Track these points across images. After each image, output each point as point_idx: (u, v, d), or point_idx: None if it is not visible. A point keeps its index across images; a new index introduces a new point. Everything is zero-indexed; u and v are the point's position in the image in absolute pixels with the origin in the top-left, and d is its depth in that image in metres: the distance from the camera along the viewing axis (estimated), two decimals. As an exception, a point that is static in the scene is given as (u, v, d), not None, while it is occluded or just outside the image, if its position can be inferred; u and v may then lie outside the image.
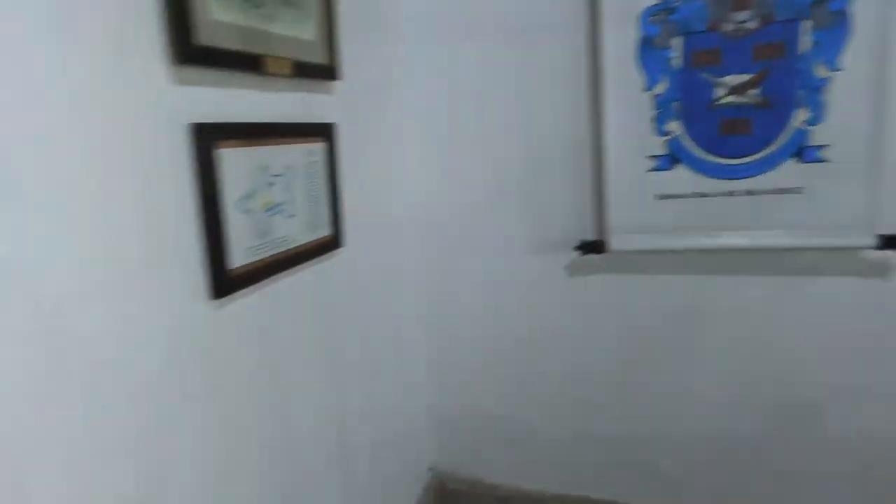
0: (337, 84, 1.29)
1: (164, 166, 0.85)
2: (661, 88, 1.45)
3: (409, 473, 1.85)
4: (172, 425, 0.88)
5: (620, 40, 1.45)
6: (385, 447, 1.64)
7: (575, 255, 1.63)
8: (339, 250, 1.33)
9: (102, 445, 0.76)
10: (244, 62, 0.98)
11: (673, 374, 1.66)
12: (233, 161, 0.96)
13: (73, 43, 0.71)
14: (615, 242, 1.54)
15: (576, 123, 1.59)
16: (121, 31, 0.77)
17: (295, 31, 1.11)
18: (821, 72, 1.34)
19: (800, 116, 1.37)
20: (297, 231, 1.16)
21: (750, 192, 1.43)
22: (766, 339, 1.57)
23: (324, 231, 1.26)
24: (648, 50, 1.44)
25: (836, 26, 1.31)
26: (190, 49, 0.86)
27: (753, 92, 1.39)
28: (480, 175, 1.70)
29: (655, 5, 1.41)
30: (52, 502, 0.70)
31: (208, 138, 0.91)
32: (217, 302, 0.96)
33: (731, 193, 1.45)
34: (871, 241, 1.37)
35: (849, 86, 1.33)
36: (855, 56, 1.31)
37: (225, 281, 0.96)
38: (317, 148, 1.22)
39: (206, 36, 0.88)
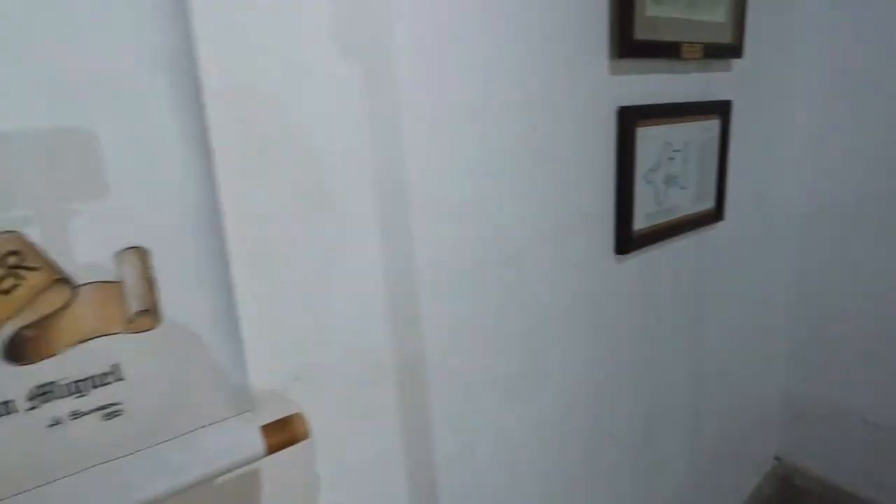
0: (737, 62, 1.33)
1: (597, 143, 1.06)
2: None
3: (753, 455, 1.82)
4: (574, 347, 1.11)
5: None
6: (733, 423, 1.66)
7: None
8: (719, 223, 1.39)
9: (535, 358, 1.03)
10: (665, 50, 1.11)
11: None
12: (645, 139, 1.12)
13: (547, 42, 0.94)
14: None
15: None
16: (579, 34, 0.98)
17: (708, 16, 1.19)
18: None
19: None
20: (686, 202, 1.26)
21: None
22: None
23: (708, 203, 1.34)
24: None
25: None
26: (628, 44, 1.02)
27: None
28: (890, 154, 1.51)
29: None
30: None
31: (630, 119, 1.08)
32: (620, 257, 1.14)
33: None
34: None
35: None
36: None
37: (628, 240, 1.13)
38: (712, 125, 1.29)
39: (640, 31, 1.04)
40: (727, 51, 1.27)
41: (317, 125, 0.66)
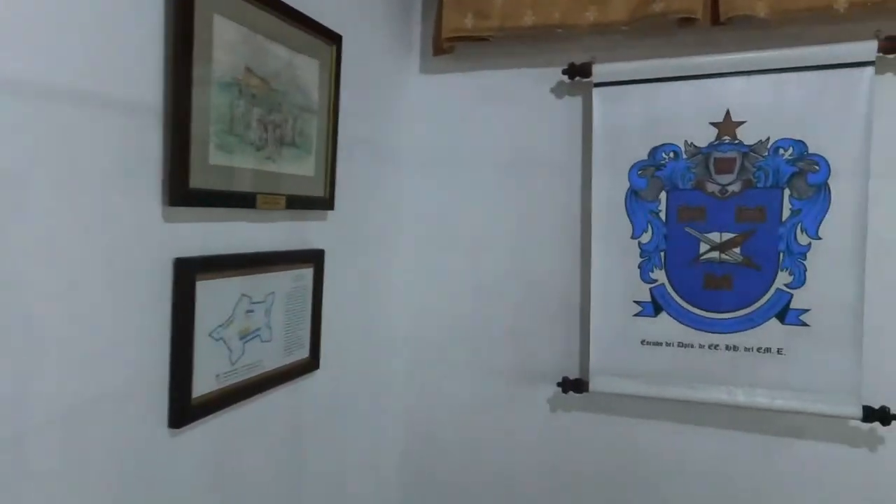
0: (331, 213, 1.36)
1: (146, 299, 0.90)
2: (647, 237, 1.49)
3: None
4: (108, 560, 0.87)
5: (611, 188, 1.51)
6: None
7: (558, 390, 1.62)
8: (316, 372, 1.34)
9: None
10: (237, 200, 1.04)
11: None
12: (213, 292, 1.00)
13: (79, 181, 0.77)
14: (596, 384, 1.53)
15: (568, 259, 1.63)
16: (120, 176, 0.84)
17: (293, 170, 1.19)
18: (802, 239, 1.37)
19: (782, 279, 1.39)
20: (271, 355, 1.18)
21: (733, 348, 1.43)
22: (739, 497, 1.51)
23: (301, 353, 1.28)
24: (636, 200, 1.50)
25: (815, 197, 1.36)
26: (185, 192, 0.92)
27: (736, 251, 1.42)
28: (470, 301, 1.73)
29: (643, 160, 1.48)
30: None
31: (190, 271, 0.95)
32: (175, 431, 0.96)
33: (714, 347, 1.44)
34: (857, 410, 1.34)
35: (829, 255, 1.35)
36: (834, 227, 1.35)
37: (187, 409, 0.97)
38: (304, 273, 1.27)
39: (201, 179, 0.95)
40: (318, 202, 1.29)
41: None
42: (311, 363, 1.31)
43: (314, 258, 1.30)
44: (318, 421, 1.38)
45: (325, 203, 1.31)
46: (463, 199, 1.72)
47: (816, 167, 1.36)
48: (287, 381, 1.24)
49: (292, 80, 1.17)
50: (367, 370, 1.61)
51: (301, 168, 1.22)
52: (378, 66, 1.59)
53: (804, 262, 1.37)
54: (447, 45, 1.60)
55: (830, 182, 1.35)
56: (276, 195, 1.13)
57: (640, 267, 1.50)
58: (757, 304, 1.41)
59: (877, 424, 1.36)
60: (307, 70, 1.21)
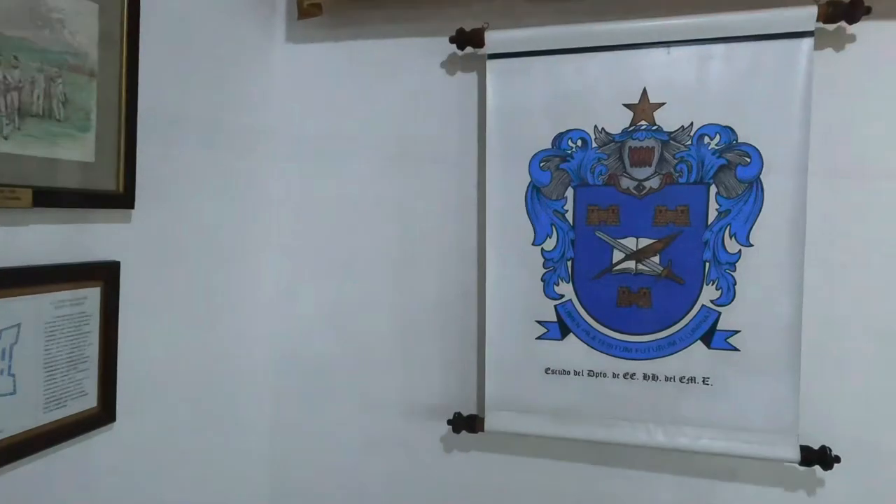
0: (135, 213, 1.02)
1: None
2: (551, 244, 1.23)
3: None
4: None
5: (508, 183, 1.24)
6: None
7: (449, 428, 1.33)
8: (112, 426, 1.00)
9: None
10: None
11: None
12: None
13: None
14: (492, 421, 1.26)
15: (464, 269, 1.35)
16: None
17: (48, 151, 0.85)
18: (731, 245, 1.14)
19: (708, 294, 1.15)
20: (15, 414, 0.83)
21: (652, 377, 1.18)
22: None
23: (82, 404, 0.94)
24: (538, 199, 1.23)
25: (745, 196, 1.13)
26: None
27: (655, 260, 1.17)
28: (348, 322, 1.42)
29: (547, 150, 1.22)
30: None
31: None
32: None
33: (630, 376, 1.19)
34: (794, 453, 1.11)
35: (761, 265, 1.12)
36: (767, 232, 1.12)
37: None
38: (83, 295, 0.93)
39: None
40: (106, 199, 0.95)
41: None
42: (100, 416, 0.97)
43: (103, 273, 0.96)
44: (121, 490, 1.04)
45: (118, 199, 0.97)
46: (337, 195, 1.41)
47: (747, 159, 1.13)
48: (55, 446, 0.90)
49: (42, 25, 0.82)
50: (209, 413, 1.26)
51: (67, 151, 0.87)
52: (218, 26, 1.26)
53: (733, 273, 1.14)
54: (309, 4, 1.28)
55: (763, 177, 1.12)
56: (8, 187, 0.79)
57: (543, 279, 1.23)
58: (679, 325, 1.17)
59: (817, 467, 1.14)
60: (76, 15, 0.87)
